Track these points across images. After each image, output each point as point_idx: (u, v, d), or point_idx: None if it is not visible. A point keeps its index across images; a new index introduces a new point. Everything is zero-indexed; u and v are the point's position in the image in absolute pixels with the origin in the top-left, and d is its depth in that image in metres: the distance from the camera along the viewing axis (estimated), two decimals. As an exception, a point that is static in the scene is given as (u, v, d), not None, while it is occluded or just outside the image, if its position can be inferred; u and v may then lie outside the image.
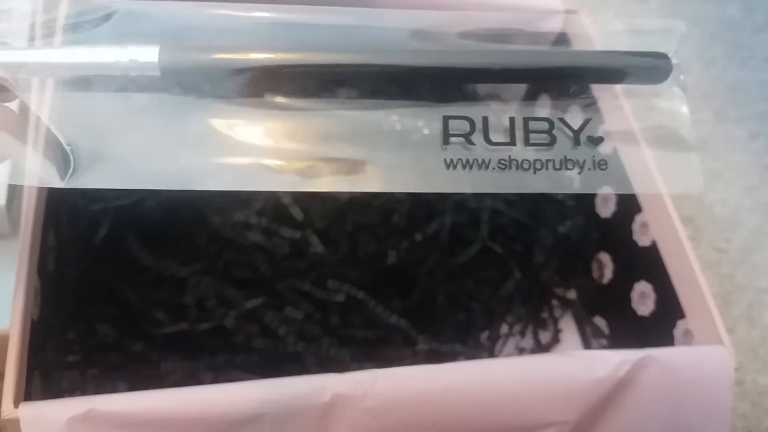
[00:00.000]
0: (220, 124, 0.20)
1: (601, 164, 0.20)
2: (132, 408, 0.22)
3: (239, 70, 0.19)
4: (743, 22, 0.62)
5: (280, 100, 0.20)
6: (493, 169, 0.20)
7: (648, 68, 0.21)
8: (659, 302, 0.34)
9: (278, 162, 0.20)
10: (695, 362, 0.28)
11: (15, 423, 0.21)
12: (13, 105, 0.19)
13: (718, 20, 0.62)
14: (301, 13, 0.21)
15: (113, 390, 0.23)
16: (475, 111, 0.20)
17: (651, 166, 0.22)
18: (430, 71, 0.20)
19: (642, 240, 0.35)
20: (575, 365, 0.26)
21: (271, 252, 0.33)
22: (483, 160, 0.20)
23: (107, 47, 0.19)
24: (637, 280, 0.36)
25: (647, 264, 0.34)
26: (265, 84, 0.20)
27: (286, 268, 0.33)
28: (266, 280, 0.33)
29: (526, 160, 0.20)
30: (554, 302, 0.41)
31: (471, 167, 0.20)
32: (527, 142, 0.20)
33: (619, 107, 0.24)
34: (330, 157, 0.20)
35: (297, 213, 0.33)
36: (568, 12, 0.41)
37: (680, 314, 0.32)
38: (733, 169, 0.53)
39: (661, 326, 0.33)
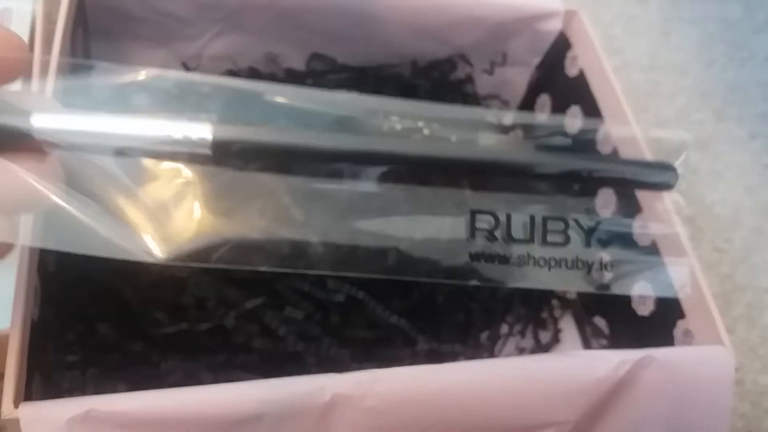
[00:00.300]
0: (267, 203, 0.20)
1: (607, 266, 0.22)
2: (132, 408, 0.22)
3: (291, 153, 0.19)
4: (743, 22, 0.62)
5: (323, 181, 0.21)
6: (513, 264, 0.21)
7: (655, 178, 0.22)
8: (659, 302, 0.34)
9: (317, 242, 0.20)
10: (695, 362, 0.28)
11: (15, 423, 0.21)
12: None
13: (718, 20, 0.62)
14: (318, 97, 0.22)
15: (113, 390, 0.23)
16: (500, 206, 0.22)
17: (648, 268, 0.24)
18: (450, 163, 0.21)
19: (642, 240, 0.35)
20: (575, 365, 0.26)
21: (271, 252, 0.33)
22: (504, 255, 0.21)
23: (160, 121, 0.19)
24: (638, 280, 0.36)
25: (647, 264, 0.34)
26: (310, 166, 0.20)
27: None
28: (266, 280, 0.33)
29: (543, 257, 0.21)
30: (554, 302, 0.41)
31: (493, 261, 0.21)
32: (544, 241, 0.22)
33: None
34: (365, 243, 0.21)
35: (297, 213, 0.33)
36: (568, 12, 0.41)
37: (680, 314, 0.32)
38: (733, 169, 0.53)
39: (661, 326, 0.33)
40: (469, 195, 0.22)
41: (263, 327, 0.33)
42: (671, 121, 0.54)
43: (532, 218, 0.21)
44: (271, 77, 0.42)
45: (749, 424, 0.42)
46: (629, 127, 0.23)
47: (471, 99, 0.45)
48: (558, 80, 0.43)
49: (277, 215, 0.27)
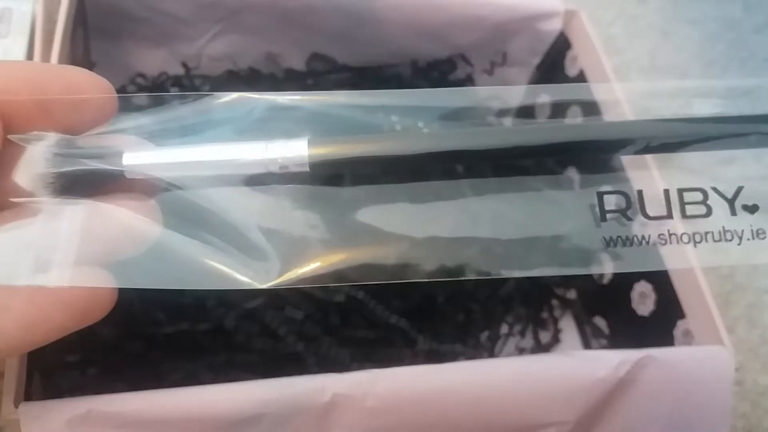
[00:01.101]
0: (369, 215, 0.19)
1: (760, 234, 0.19)
2: (132, 408, 0.22)
3: (391, 161, 0.18)
4: (743, 22, 0.62)
5: (424, 185, 0.19)
6: (654, 245, 0.19)
7: None
8: (659, 302, 0.34)
9: (429, 251, 0.19)
10: (695, 362, 0.28)
11: (15, 423, 0.21)
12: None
13: (718, 20, 0.62)
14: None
15: (113, 390, 0.23)
16: (627, 184, 0.20)
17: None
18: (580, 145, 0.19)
19: (642, 240, 0.35)
20: (575, 365, 0.26)
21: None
22: (642, 237, 0.19)
23: (253, 143, 0.18)
24: (637, 280, 0.36)
25: (647, 264, 0.34)
26: (412, 172, 0.19)
27: (286, 268, 0.33)
28: (266, 280, 0.33)
29: (686, 233, 0.19)
30: (554, 302, 0.41)
31: (631, 244, 0.19)
32: (684, 214, 0.19)
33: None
34: (483, 238, 0.19)
35: (298, 213, 0.33)
36: (568, 12, 0.41)
37: (680, 314, 0.32)
38: (733, 169, 0.53)
39: (661, 326, 0.33)
40: (592, 178, 0.20)
41: (263, 327, 0.33)
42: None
43: (666, 192, 0.19)
44: (271, 77, 0.42)
45: (749, 424, 0.42)
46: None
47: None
48: (558, 80, 0.43)
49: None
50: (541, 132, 0.19)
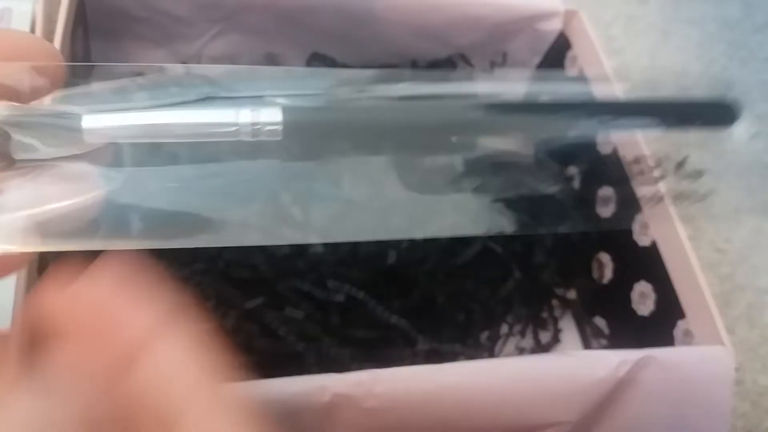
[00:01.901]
0: (339, 184, 0.19)
1: (705, 197, 0.22)
2: (132, 408, 0.22)
3: (363, 130, 0.18)
4: (743, 22, 0.62)
5: (399, 156, 0.19)
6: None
7: (714, 114, 0.21)
8: (659, 302, 0.34)
9: (399, 211, 0.19)
10: (695, 362, 0.28)
11: (15, 423, 0.21)
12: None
13: (718, 20, 0.62)
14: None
15: (113, 390, 0.23)
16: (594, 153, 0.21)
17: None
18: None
19: (642, 240, 0.35)
20: (575, 365, 0.26)
21: (271, 252, 0.33)
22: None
23: (225, 109, 0.18)
24: (637, 280, 0.36)
25: (647, 264, 0.34)
26: (385, 142, 0.19)
27: (286, 268, 0.33)
28: (266, 280, 0.33)
29: (643, 196, 0.21)
30: (554, 302, 0.41)
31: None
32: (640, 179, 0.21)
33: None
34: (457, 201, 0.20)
35: (297, 213, 0.33)
36: (568, 12, 0.41)
37: (680, 314, 0.32)
38: (733, 169, 0.53)
39: (661, 326, 0.33)
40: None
41: (263, 327, 0.33)
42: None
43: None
44: (271, 77, 0.42)
45: (749, 424, 0.42)
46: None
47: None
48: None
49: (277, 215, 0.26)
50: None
